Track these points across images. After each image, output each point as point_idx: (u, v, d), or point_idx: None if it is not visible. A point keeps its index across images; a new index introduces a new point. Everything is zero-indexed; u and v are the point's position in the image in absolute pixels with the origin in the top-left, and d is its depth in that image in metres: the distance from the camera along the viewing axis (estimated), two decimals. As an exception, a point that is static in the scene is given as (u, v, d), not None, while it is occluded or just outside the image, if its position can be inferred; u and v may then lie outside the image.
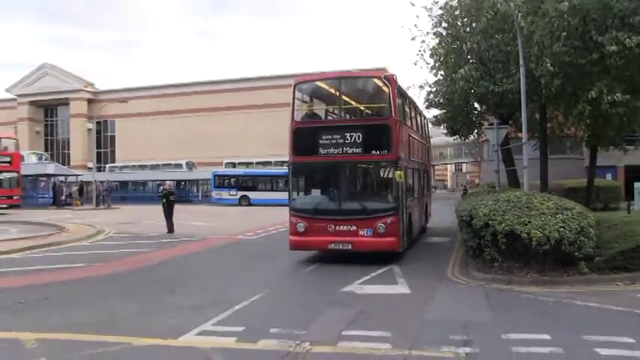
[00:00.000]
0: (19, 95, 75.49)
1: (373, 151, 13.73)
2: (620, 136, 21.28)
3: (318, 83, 15.87)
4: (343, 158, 13.83)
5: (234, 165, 52.58)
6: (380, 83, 14.50)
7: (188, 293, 10.66)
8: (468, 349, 6.80)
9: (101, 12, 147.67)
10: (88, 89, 73.97)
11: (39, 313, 9.08)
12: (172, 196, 22.84)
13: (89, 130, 68.92)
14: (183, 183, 53.86)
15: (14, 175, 37.45)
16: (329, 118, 15.56)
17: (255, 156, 53.04)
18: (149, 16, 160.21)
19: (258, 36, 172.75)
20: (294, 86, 14.62)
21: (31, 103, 75.69)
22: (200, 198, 53.73)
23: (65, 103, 74.04)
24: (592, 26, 14.48)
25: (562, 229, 10.76)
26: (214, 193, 48.42)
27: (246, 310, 9.06)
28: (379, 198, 14.26)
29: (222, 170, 50.66)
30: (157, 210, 24.02)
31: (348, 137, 13.69)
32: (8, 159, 36.85)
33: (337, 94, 14.80)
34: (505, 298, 10.04)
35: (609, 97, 14.00)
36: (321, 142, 13.89)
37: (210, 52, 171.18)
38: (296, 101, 14.66)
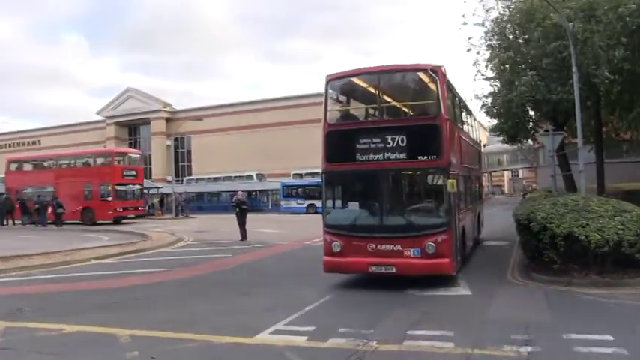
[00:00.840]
0: (107, 117, 78.69)
1: (420, 157, 11.00)
2: None
3: (354, 79, 12.75)
4: (384, 165, 11.11)
5: (300, 176, 52.74)
6: (426, 77, 11.73)
7: (261, 295, 10.80)
8: (529, 348, 6.62)
9: (178, 39, 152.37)
10: (167, 109, 76.15)
11: (130, 312, 9.44)
12: (244, 206, 23.02)
13: (168, 146, 70.90)
14: (254, 193, 54.40)
15: (139, 187, 38.17)
16: (367, 119, 12.53)
17: (320, 167, 52.62)
18: (222, 40, 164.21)
19: (318, 57, 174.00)
20: (327, 83, 11.99)
21: (117, 123, 78.64)
22: (270, 207, 54.10)
23: (146, 122, 76.52)
24: None
25: (621, 231, 10.35)
26: (283, 203, 48.97)
27: (315, 311, 9.12)
28: (428, 212, 11.38)
29: (289, 181, 51.10)
30: (230, 219, 24.40)
31: (389, 141, 11.07)
32: (134, 172, 37.72)
33: (376, 90, 12.02)
34: (565, 299, 9.71)
35: None
36: (358, 146, 11.28)
37: (277, 72, 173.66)
38: (329, 100, 12.19)
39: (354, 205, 11.91)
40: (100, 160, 38.13)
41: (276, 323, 8.14)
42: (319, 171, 12.95)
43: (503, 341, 6.91)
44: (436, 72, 11.18)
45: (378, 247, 10.98)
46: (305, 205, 46.62)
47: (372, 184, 11.49)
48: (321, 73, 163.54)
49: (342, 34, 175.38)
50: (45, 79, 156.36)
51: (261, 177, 57.74)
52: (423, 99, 12.20)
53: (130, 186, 37.06)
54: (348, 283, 12.06)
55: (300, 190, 48.32)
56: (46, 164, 40.75)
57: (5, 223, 36.27)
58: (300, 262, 16.03)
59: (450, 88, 12.42)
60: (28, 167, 41.87)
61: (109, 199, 35.24)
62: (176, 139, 64.72)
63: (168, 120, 75.30)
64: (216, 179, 59.14)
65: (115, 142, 77.97)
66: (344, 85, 12.76)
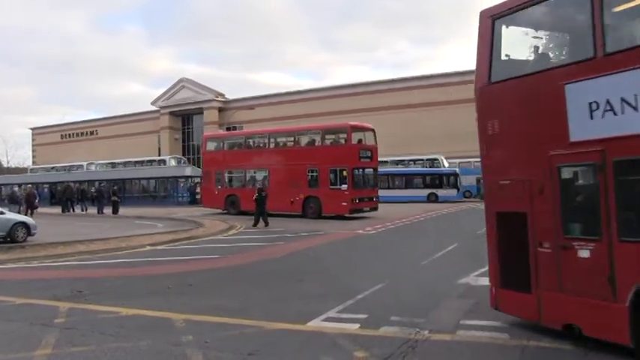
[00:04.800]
0: (162, 107, 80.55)
1: None
2: None
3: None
4: None
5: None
6: None
7: (313, 282, 10.86)
8: (586, 342, 6.43)
9: (235, 28, 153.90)
10: (219, 99, 77.33)
11: (184, 297, 9.64)
12: (264, 192, 24.18)
13: (221, 135, 72.22)
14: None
15: (373, 172, 29.26)
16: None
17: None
18: (277, 29, 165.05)
19: (377, 45, 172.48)
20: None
21: (171, 113, 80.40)
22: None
23: (199, 112, 77.91)
24: None
25: None
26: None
27: (367, 299, 9.10)
28: None
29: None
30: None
31: None
32: (370, 154, 28.49)
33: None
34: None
35: None
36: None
37: (332, 60, 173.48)
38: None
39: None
40: (330, 138, 29.25)
41: (328, 311, 8.17)
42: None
43: (559, 333, 6.72)
44: None
45: None
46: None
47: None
48: (380, 61, 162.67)
49: (400, 21, 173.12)
50: (105, 70, 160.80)
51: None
52: None
53: (366, 170, 28.93)
54: (400, 271, 12.01)
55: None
56: (254, 142, 32.62)
57: (67, 210, 37.62)
58: (353, 251, 16.09)
59: None
60: (231, 146, 33.69)
61: (344, 187, 26.69)
62: (228, 129, 65.59)
63: (220, 109, 76.49)
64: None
65: (169, 132, 79.86)
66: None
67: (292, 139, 30.76)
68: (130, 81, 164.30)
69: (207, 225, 23.58)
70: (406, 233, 20.50)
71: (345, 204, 26.55)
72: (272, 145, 30.96)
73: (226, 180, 32.04)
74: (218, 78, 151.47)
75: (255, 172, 31.15)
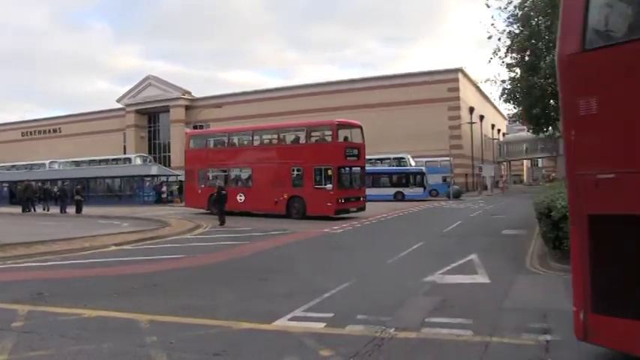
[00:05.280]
0: (127, 105, 79.60)
1: None
2: None
3: None
4: None
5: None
6: None
7: (280, 282, 10.82)
8: (548, 337, 6.58)
9: (204, 26, 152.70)
10: (186, 97, 76.72)
11: (149, 298, 9.51)
12: (223, 191, 24.34)
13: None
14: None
15: (359, 171, 28.46)
16: None
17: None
18: (247, 27, 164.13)
19: (346, 44, 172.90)
20: None
21: (137, 111, 79.53)
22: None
23: (166, 110, 77.21)
24: None
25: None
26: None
27: (334, 298, 9.10)
28: None
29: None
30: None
31: None
32: (357, 152, 27.46)
33: None
34: (585, 288, 9.65)
35: None
36: None
37: (300, 59, 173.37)
38: None
39: None
40: (315, 135, 27.85)
41: (294, 310, 8.14)
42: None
43: (522, 329, 6.87)
44: None
45: None
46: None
47: None
48: (351, 60, 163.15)
49: (370, 20, 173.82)
50: (70, 67, 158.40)
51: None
52: None
53: (353, 169, 27.98)
54: (367, 269, 12.07)
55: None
56: (238, 140, 31.39)
57: (27, 210, 36.80)
58: (319, 250, 16.11)
59: None
60: (214, 144, 32.37)
61: (329, 186, 25.59)
62: (195, 127, 65.01)
63: (187, 107, 75.93)
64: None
65: (135, 130, 78.88)
66: None
67: (276, 136, 29.23)
68: (96, 78, 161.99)
69: (174, 224, 23.33)
70: (373, 232, 20.62)
71: (330, 204, 25.52)
72: (256, 143, 30.01)
73: (209, 179, 30.73)
74: (186, 76, 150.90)
75: (238, 171, 30.21)
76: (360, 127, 27.89)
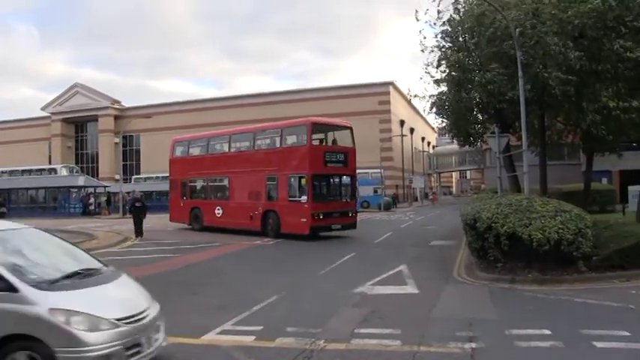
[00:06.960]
0: (53, 113, 76.60)
1: None
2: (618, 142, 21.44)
3: None
4: None
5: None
6: None
7: (210, 295, 10.66)
8: (473, 345, 6.77)
9: (137, 34, 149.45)
10: (115, 106, 74.70)
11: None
12: (138, 203, 23.89)
13: (116, 144, 69.83)
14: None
15: (348, 180, 23.54)
16: None
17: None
18: (180, 36, 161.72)
19: (280, 55, 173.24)
20: None
21: (64, 120, 76.66)
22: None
23: (94, 119, 74.89)
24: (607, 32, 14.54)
25: (561, 230, 10.72)
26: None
27: (264, 311, 9.05)
28: None
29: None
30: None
31: None
32: (342, 157, 22.72)
33: None
34: (508, 296, 10.00)
35: (619, 104, 14.20)
36: None
37: (233, 69, 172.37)
38: None
39: None
40: (292, 137, 23.35)
41: (224, 323, 8.05)
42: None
43: (449, 338, 7.04)
44: None
45: None
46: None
47: None
48: (285, 71, 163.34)
49: (304, 32, 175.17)
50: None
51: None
52: None
53: (336, 178, 23.11)
54: (297, 281, 12.05)
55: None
56: (216, 146, 27.17)
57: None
58: (250, 262, 15.97)
59: None
60: (194, 151, 28.68)
61: (303, 198, 21.24)
62: (124, 137, 63.54)
63: (116, 117, 74.00)
64: (165, 178, 58.19)
65: (61, 139, 76.02)
66: None
67: (251, 140, 24.69)
68: (19, 84, 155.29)
69: (101, 237, 22.58)
70: (305, 243, 20.57)
71: (304, 220, 21.07)
72: (233, 149, 25.58)
73: (189, 190, 27.86)
74: (117, 84, 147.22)
75: (216, 181, 26.46)
76: (350, 128, 23.54)
